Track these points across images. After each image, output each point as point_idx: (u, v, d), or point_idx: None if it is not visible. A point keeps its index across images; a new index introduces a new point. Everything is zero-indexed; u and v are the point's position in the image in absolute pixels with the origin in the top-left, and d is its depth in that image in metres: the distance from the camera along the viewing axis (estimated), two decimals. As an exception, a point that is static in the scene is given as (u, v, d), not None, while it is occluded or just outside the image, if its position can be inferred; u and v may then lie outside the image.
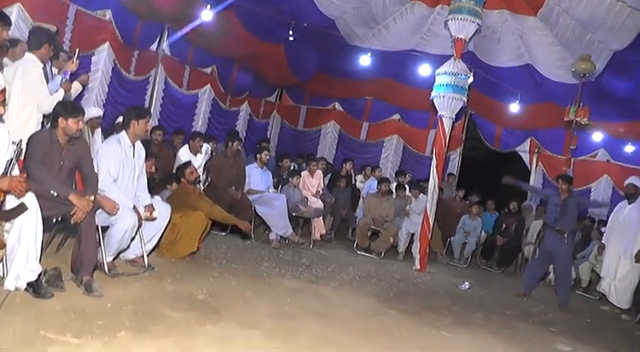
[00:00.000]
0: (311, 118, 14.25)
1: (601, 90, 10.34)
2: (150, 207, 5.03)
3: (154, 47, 10.18)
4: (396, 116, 13.87)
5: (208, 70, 10.86)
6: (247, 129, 12.38)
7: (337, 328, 4.60)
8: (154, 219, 5.07)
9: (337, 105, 14.16)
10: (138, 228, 4.91)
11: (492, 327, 5.82)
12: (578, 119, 9.36)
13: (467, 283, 7.88)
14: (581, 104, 9.44)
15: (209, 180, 8.01)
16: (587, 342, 5.95)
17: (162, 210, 5.23)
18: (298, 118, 14.32)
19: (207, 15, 8.72)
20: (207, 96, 10.78)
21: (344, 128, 14.07)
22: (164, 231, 5.40)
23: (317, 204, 9.00)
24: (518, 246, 10.42)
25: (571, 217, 7.81)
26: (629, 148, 12.40)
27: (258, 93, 12.86)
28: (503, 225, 10.41)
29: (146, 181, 5.27)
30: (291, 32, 9.51)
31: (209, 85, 10.84)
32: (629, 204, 8.08)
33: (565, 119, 9.52)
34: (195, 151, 7.90)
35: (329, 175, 10.75)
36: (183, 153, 7.87)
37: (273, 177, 8.78)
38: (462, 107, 8.48)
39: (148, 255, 5.23)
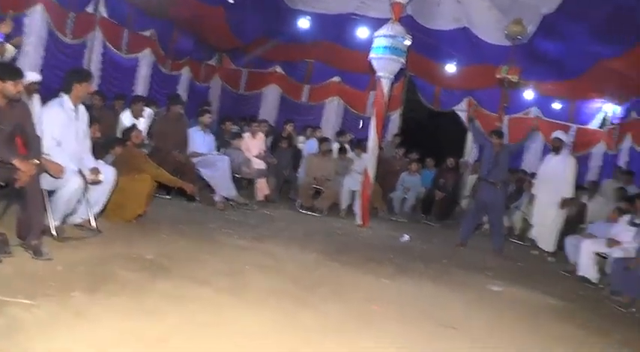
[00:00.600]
0: (252, 81, 14.23)
1: (533, 52, 10.81)
2: (95, 170, 5.03)
3: (90, 9, 9.82)
4: (337, 78, 13.98)
5: (148, 32, 10.61)
6: (189, 93, 12.21)
7: (284, 281, 4.84)
8: (100, 181, 5.09)
9: (278, 69, 14.16)
10: (84, 192, 4.94)
11: (431, 274, 6.21)
12: (509, 76, 9.78)
13: (407, 236, 8.27)
14: (514, 64, 9.87)
15: (147, 141, 7.98)
16: (517, 283, 6.49)
17: (108, 173, 5.25)
18: (239, 81, 14.26)
19: None
20: (147, 59, 10.56)
21: (285, 91, 14.12)
22: (110, 195, 5.45)
23: (260, 165, 9.11)
24: (455, 199, 10.95)
25: (503, 168, 8.43)
26: (556, 105, 13.04)
27: (198, 56, 12.72)
28: (442, 181, 10.85)
29: (90, 144, 5.29)
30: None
31: (149, 49, 10.62)
32: (556, 155, 8.64)
33: (497, 76, 9.93)
34: (137, 115, 7.86)
35: (271, 137, 10.87)
36: (126, 118, 7.83)
37: (215, 140, 8.81)
38: (400, 69, 8.72)
39: (95, 219, 5.29)
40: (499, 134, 8.53)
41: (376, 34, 8.44)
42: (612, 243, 7.07)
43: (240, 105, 13.76)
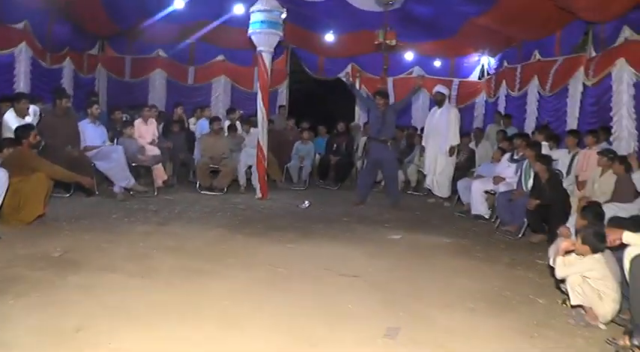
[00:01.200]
0: (137, 68, 13.95)
1: (407, 16, 11.35)
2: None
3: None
4: (221, 57, 14.04)
5: (20, 25, 9.93)
6: (74, 87, 11.67)
7: (191, 258, 5.11)
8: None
9: (161, 52, 13.99)
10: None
11: (333, 233, 6.68)
12: (386, 41, 10.29)
13: (307, 202, 8.67)
14: (388, 28, 10.37)
15: (42, 142, 7.78)
16: (414, 230, 7.14)
17: (-1, 176, 5.22)
18: (124, 69, 13.94)
19: None
20: (24, 54, 9.93)
21: (171, 74, 13.99)
22: (4, 198, 5.43)
23: (154, 151, 9.12)
24: (350, 161, 11.44)
25: (390, 126, 8.94)
26: (437, 63, 13.79)
27: (79, 46, 12.18)
28: (335, 145, 11.32)
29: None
30: None
31: (24, 43, 9.98)
32: (439, 108, 9.38)
33: (375, 42, 10.42)
34: (22, 114, 7.45)
35: (162, 122, 10.78)
36: (10, 118, 7.39)
37: (107, 131, 8.73)
38: (280, 41, 8.95)
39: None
40: (383, 94, 9.02)
41: (252, 9, 8.62)
42: (497, 179, 7.98)
43: (128, 94, 13.45)
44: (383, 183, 10.28)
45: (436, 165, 9.48)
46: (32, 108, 7.93)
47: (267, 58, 8.76)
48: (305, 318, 3.77)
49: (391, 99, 13.48)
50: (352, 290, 4.47)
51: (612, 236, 3.95)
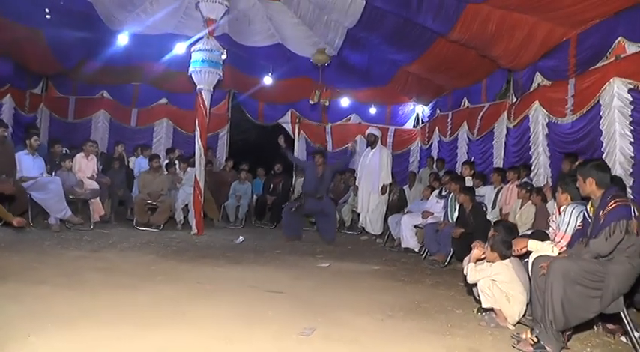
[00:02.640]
0: (81, 108, 13.98)
1: (343, 63, 11.83)
2: None
3: None
4: (164, 100, 14.24)
5: None
6: (14, 125, 11.54)
7: (120, 276, 5.22)
8: None
9: (105, 94, 14.09)
10: None
11: (262, 261, 6.89)
12: (321, 101, 10.95)
13: (241, 237, 8.82)
14: (324, 89, 10.94)
15: None
16: (344, 260, 7.41)
17: None
18: (68, 109, 13.92)
19: None
20: None
21: (114, 116, 14.07)
22: None
23: (93, 185, 9.12)
24: (286, 201, 11.58)
25: (327, 184, 9.61)
26: (373, 110, 14.26)
27: (21, 84, 12.18)
28: (272, 186, 11.58)
29: None
30: (47, 10, 9.19)
31: None
32: (372, 149, 9.84)
33: (311, 102, 10.94)
34: None
35: (102, 160, 10.80)
36: None
37: (46, 164, 8.67)
38: (219, 81, 9.24)
39: None
40: (322, 154, 9.60)
41: (193, 48, 8.96)
42: (426, 214, 8.42)
43: (69, 134, 13.30)
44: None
45: (369, 203, 9.85)
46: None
47: (206, 96, 9.04)
48: (225, 321, 3.95)
49: (329, 146, 14.15)
50: (274, 302, 4.66)
51: (519, 244, 4.34)
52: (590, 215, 3.99)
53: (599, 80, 6.68)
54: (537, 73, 8.36)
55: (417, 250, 8.44)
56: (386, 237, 9.55)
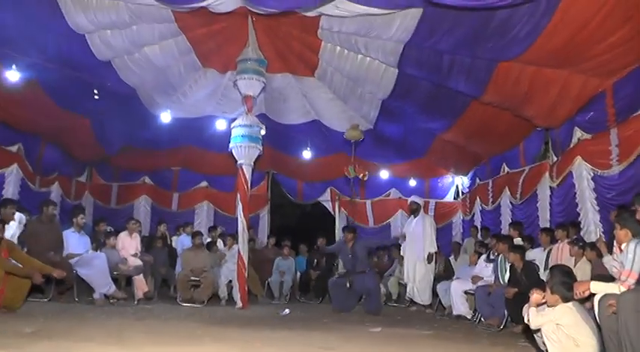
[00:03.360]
0: (123, 195, 14.29)
1: (379, 136, 11.95)
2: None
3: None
4: (204, 183, 14.45)
5: (14, 148, 10.31)
6: (60, 211, 11.93)
7: (166, 337, 5.18)
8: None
9: (147, 179, 14.41)
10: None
11: (310, 328, 6.68)
12: (359, 176, 11.00)
13: (287, 310, 8.62)
14: (357, 165, 11.02)
15: (25, 248, 7.71)
16: (395, 326, 7.16)
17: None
18: (110, 196, 14.25)
19: (13, 75, 8.12)
20: (14, 176, 10.22)
21: (155, 200, 14.31)
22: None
23: (137, 262, 9.11)
24: (330, 276, 11.37)
25: (363, 259, 9.20)
26: (412, 183, 14.22)
27: (67, 171, 12.58)
28: (315, 261, 11.48)
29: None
30: (95, 91, 9.43)
31: (16, 165, 10.28)
32: (415, 217, 9.64)
33: (347, 176, 10.98)
34: (7, 219, 7.52)
35: (145, 240, 10.76)
36: None
37: (91, 242, 8.84)
38: (258, 156, 9.32)
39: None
40: (350, 229, 9.53)
41: (233, 125, 9.17)
42: (476, 279, 8.14)
43: (112, 220, 13.58)
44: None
45: (415, 272, 9.63)
46: (18, 215, 8.06)
47: (247, 170, 9.13)
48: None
49: (370, 222, 14.05)
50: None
51: (581, 287, 4.11)
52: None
53: (644, 125, 6.58)
54: (576, 128, 8.24)
55: (469, 317, 8.15)
56: (435, 306, 9.27)
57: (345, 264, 9.41)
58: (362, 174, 10.98)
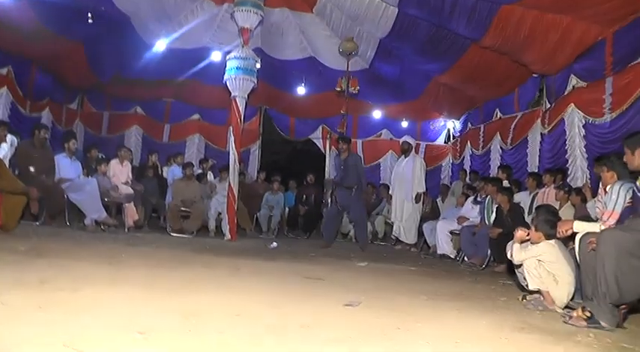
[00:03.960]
0: (114, 124, 14.27)
1: (375, 76, 11.94)
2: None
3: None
4: (196, 116, 14.43)
5: (4, 70, 10.15)
6: (50, 138, 11.87)
7: (158, 261, 5.28)
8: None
9: (139, 109, 14.35)
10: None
11: (298, 260, 6.76)
12: (350, 88, 10.84)
13: (275, 243, 8.76)
14: (351, 76, 10.94)
15: (17, 171, 7.82)
16: (381, 262, 7.25)
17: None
18: (101, 125, 14.23)
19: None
20: (4, 99, 10.11)
21: (146, 131, 14.30)
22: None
23: (127, 190, 9.16)
24: (319, 212, 11.60)
25: (353, 173, 8.96)
26: (404, 124, 14.26)
27: (59, 98, 12.50)
28: (304, 196, 11.61)
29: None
30: (89, 14, 9.35)
31: (5, 88, 10.15)
32: (405, 158, 9.75)
33: (337, 89, 10.89)
34: None
35: (136, 169, 10.84)
36: None
37: (82, 168, 8.83)
38: (252, 88, 9.24)
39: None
40: (344, 139, 9.35)
41: (228, 57, 9.08)
42: (462, 219, 8.33)
43: (103, 148, 13.49)
44: (352, 234, 10.44)
45: (403, 212, 9.74)
46: (10, 137, 8.09)
47: (240, 102, 9.09)
48: (269, 293, 3.92)
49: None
50: (315, 285, 4.61)
51: (564, 226, 4.19)
52: (641, 189, 3.85)
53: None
54: (572, 76, 8.27)
55: (453, 256, 8.35)
56: (420, 245, 9.46)
57: (336, 172, 9.38)
58: (354, 87, 10.89)
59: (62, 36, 10.00)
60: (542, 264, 4.25)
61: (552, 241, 4.29)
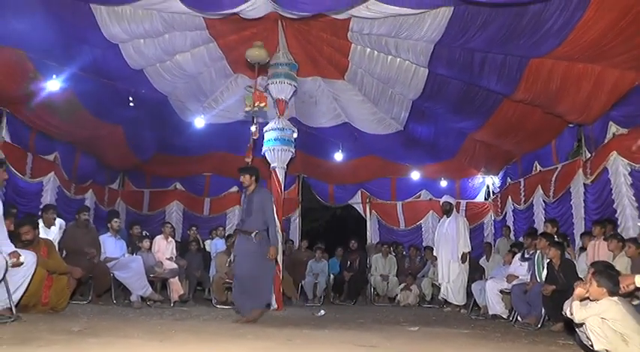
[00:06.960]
0: (154, 201, 14.51)
1: (410, 138, 11.95)
2: (15, 254, 5.23)
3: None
4: (235, 188, 14.47)
5: (51, 156, 10.59)
6: (94, 219, 12.13)
7: (208, 335, 5.22)
8: (21, 263, 5.28)
9: (178, 185, 14.62)
10: (4, 277, 5.10)
11: (348, 327, 6.65)
12: (260, 105, 8.70)
13: (322, 311, 8.61)
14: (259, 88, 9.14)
15: (64, 252, 7.92)
16: (432, 325, 7.11)
17: (28, 258, 5.44)
18: (142, 202, 14.49)
19: (54, 85, 8.38)
20: (52, 184, 10.47)
21: (187, 206, 14.47)
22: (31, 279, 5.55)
23: (172, 265, 9.26)
24: (364, 278, 11.50)
25: (258, 214, 6.75)
26: (443, 183, 14.08)
27: (101, 179, 12.90)
28: (348, 262, 11.52)
29: (6, 232, 5.46)
30: (130, 98, 9.55)
31: (53, 173, 10.54)
32: (447, 218, 9.66)
33: (246, 109, 8.95)
34: (48, 224, 7.88)
35: (178, 244, 10.90)
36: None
37: (127, 246, 8.98)
38: (291, 158, 9.35)
39: (15, 306, 5.38)
40: (244, 171, 7.06)
41: (265, 129, 9.24)
42: (511, 278, 8.06)
43: (144, 226, 13.73)
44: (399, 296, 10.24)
45: (449, 272, 9.61)
46: (59, 220, 8.39)
47: (280, 173, 9.21)
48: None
49: (402, 224, 13.97)
50: None
51: (626, 281, 4.03)
52: None
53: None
54: (610, 123, 8.18)
55: (505, 316, 8.09)
56: (470, 306, 9.21)
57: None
58: (260, 103, 8.74)
59: (102, 119, 10.41)
60: (605, 322, 4.03)
61: (615, 298, 4.09)
